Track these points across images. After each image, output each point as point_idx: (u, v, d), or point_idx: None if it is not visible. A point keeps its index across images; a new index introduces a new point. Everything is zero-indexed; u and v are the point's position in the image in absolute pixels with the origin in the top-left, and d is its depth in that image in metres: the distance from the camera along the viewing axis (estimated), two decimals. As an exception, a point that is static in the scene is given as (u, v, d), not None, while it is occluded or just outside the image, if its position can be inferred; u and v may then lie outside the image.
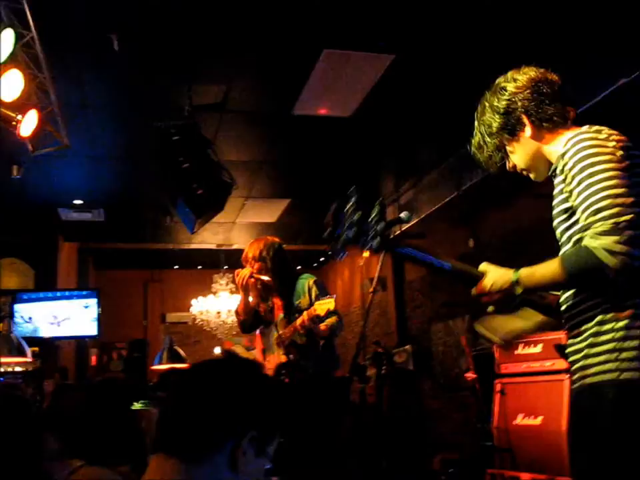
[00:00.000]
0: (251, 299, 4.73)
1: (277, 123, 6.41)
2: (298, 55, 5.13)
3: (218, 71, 5.37)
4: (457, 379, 8.09)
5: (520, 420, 5.58)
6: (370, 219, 2.06)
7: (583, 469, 1.95)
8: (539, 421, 5.39)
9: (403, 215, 2.45)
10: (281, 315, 4.62)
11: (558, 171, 2.03)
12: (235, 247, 10.80)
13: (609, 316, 1.89)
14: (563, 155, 1.99)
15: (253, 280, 4.60)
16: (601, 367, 1.87)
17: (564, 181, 1.99)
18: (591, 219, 1.85)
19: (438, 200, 7.77)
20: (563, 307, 2.06)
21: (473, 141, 2.31)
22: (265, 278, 4.57)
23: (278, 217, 9.40)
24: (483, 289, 2.04)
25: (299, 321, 4.38)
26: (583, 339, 1.95)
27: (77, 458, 2.14)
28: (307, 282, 4.57)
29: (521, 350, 5.78)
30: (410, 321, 9.89)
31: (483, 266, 2.08)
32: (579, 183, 1.91)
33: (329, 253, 2.11)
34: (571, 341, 2.03)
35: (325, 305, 4.26)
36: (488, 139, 2.23)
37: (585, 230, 1.86)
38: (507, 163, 2.25)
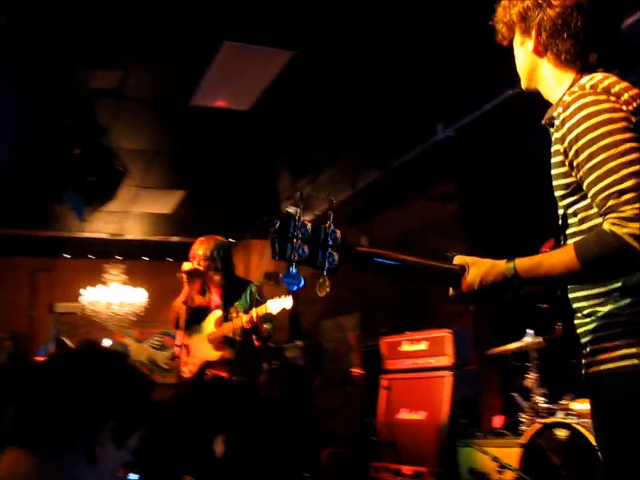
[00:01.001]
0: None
1: (174, 113, 6.31)
2: (198, 45, 5.07)
3: (115, 56, 5.23)
4: (346, 375, 8.21)
5: (404, 415, 5.73)
6: (323, 231, 1.67)
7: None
8: (421, 415, 5.55)
9: (290, 209, 2.37)
10: (219, 312, 4.62)
11: (554, 136, 1.80)
12: (128, 237, 10.58)
13: (625, 301, 1.73)
14: (563, 121, 1.75)
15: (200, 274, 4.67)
16: (622, 352, 1.72)
17: (564, 153, 1.76)
18: (613, 201, 1.60)
19: (333, 198, 7.85)
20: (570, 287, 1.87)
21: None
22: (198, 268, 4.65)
23: (174, 209, 9.27)
24: (470, 286, 1.75)
25: (245, 318, 4.37)
26: (594, 320, 1.79)
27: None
28: (253, 288, 4.68)
29: (406, 347, 5.93)
30: (302, 316, 9.96)
31: (460, 259, 1.81)
32: (588, 158, 1.67)
33: (283, 281, 1.66)
34: (579, 322, 1.85)
35: (280, 305, 4.31)
36: (506, 13, 1.98)
37: (607, 213, 1.62)
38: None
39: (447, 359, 5.54)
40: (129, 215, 9.63)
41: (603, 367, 1.76)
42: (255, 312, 4.35)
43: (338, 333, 8.80)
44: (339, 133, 6.63)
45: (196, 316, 4.72)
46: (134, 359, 10.30)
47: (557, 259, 1.68)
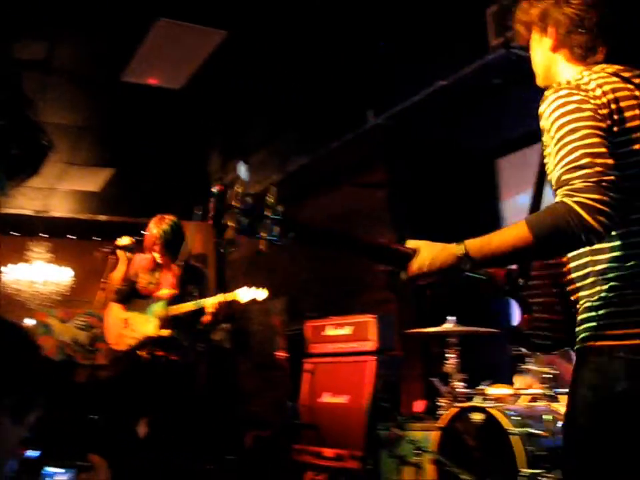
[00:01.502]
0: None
1: (104, 88, 6.19)
2: (131, 20, 4.99)
3: (42, 25, 5.10)
4: (272, 359, 8.22)
5: (327, 398, 5.77)
6: (265, 202, 1.69)
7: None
8: (344, 399, 5.60)
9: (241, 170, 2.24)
10: (173, 291, 4.58)
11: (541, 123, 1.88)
12: (54, 214, 10.34)
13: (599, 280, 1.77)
14: (542, 113, 1.84)
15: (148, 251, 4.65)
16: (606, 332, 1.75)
17: (545, 143, 1.85)
18: (568, 176, 1.67)
19: (264, 180, 7.83)
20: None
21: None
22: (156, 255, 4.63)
23: (101, 187, 9.10)
24: (419, 269, 1.79)
25: (212, 302, 4.36)
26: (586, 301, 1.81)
27: None
28: (206, 271, 4.88)
29: (330, 331, 5.97)
30: (230, 299, 9.90)
31: (412, 243, 1.83)
32: (555, 143, 1.75)
33: (219, 248, 1.70)
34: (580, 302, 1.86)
35: (251, 295, 4.29)
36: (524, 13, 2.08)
37: (561, 187, 1.68)
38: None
39: (370, 344, 5.60)
40: (55, 192, 9.41)
41: (588, 344, 1.79)
42: (223, 297, 4.35)
43: (264, 316, 8.80)
44: (270, 116, 6.63)
45: (138, 291, 4.70)
46: (57, 339, 10.09)
47: (508, 234, 1.72)
